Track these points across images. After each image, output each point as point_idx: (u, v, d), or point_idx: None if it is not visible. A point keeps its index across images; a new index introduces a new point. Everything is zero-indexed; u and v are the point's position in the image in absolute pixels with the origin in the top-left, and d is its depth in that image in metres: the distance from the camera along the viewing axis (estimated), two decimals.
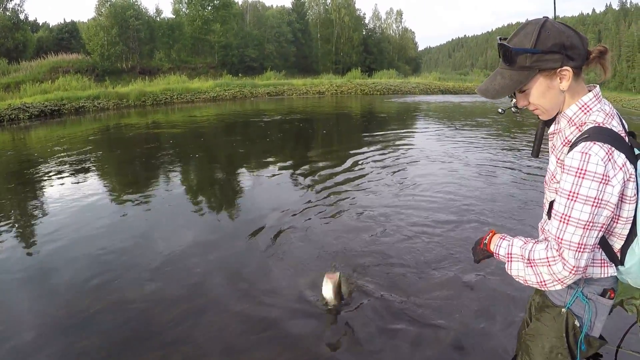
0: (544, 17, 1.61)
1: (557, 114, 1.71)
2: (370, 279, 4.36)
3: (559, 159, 1.69)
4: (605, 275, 1.69)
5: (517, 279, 1.75)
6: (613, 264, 1.67)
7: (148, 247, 5.41)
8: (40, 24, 54.50)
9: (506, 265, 1.77)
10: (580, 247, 1.51)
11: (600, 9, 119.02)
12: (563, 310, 1.79)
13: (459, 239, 5.44)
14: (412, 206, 6.76)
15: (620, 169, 1.47)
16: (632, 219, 1.57)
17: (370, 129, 17.06)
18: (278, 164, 10.15)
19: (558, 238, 1.55)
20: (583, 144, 1.49)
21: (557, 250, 1.56)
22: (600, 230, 1.53)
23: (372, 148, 11.88)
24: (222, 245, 5.48)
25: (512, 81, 1.61)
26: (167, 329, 3.66)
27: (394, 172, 9.02)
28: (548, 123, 2.03)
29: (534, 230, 2.05)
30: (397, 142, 12.98)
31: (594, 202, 1.46)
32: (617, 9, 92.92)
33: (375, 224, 6.01)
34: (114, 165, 10.69)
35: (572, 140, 1.61)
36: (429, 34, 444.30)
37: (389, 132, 15.50)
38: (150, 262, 4.93)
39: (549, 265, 1.58)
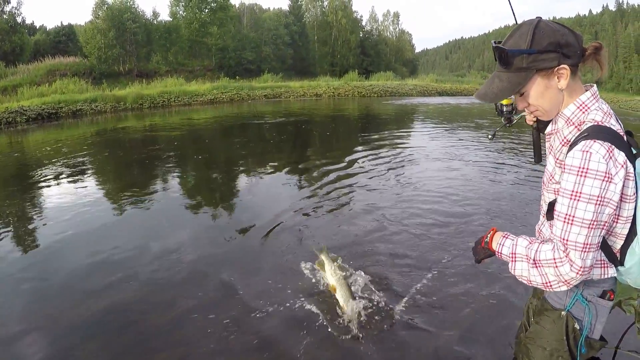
0: (537, 17, 1.61)
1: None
2: (370, 277, 4.36)
3: (557, 159, 1.69)
4: (605, 277, 1.67)
5: (520, 279, 1.73)
6: (613, 265, 1.66)
7: (147, 249, 5.41)
8: (38, 27, 54.41)
9: (509, 265, 1.75)
10: (586, 247, 1.50)
11: (596, 9, 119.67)
12: (563, 313, 1.77)
13: (461, 237, 5.48)
14: (413, 204, 6.85)
15: (622, 166, 1.46)
16: (631, 218, 1.56)
17: (370, 130, 17.11)
18: (278, 165, 10.14)
19: (563, 239, 1.53)
20: (583, 142, 1.48)
21: (563, 252, 1.53)
22: (603, 229, 1.53)
23: (372, 148, 11.97)
24: (221, 246, 5.49)
25: (510, 83, 1.61)
26: (167, 330, 3.66)
27: (396, 171, 9.14)
28: (541, 128, 2.03)
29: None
30: (397, 143, 13.05)
31: (597, 200, 1.45)
32: (613, 9, 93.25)
33: (377, 222, 6.08)
34: (111, 168, 10.67)
35: (571, 140, 1.60)
36: (426, 36, 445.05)
37: (388, 133, 15.56)
38: (150, 264, 4.93)
39: (556, 266, 1.55)
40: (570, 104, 1.64)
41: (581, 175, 1.45)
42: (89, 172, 9.79)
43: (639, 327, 1.80)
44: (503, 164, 9.77)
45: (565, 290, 1.72)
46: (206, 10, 48.20)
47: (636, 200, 1.54)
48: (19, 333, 3.65)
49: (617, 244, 1.63)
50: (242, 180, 9.07)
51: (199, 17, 47.39)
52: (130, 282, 4.55)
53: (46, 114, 22.26)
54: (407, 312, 3.79)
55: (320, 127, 18.02)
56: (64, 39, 49.18)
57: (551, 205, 1.72)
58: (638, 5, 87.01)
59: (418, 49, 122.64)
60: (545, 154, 2.16)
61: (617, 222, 1.58)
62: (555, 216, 1.57)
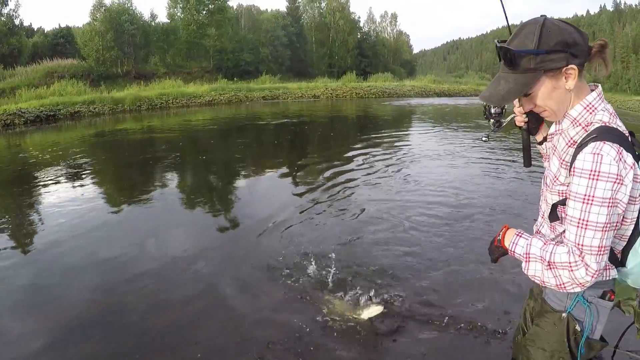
0: (541, 15, 1.56)
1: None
2: (371, 276, 4.37)
3: (563, 160, 1.65)
4: (607, 278, 1.66)
5: (533, 279, 1.72)
6: (614, 266, 1.64)
7: (146, 251, 5.42)
8: (35, 29, 54.34)
9: (523, 265, 1.73)
10: (601, 250, 1.48)
11: (594, 10, 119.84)
12: (564, 315, 1.76)
13: (465, 235, 5.57)
14: (416, 202, 7.01)
15: (631, 168, 1.45)
16: (635, 219, 1.55)
17: (370, 130, 17.15)
18: (278, 166, 10.21)
19: (578, 244, 1.51)
20: (593, 144, 1.46)
21: (579, 256, 1.52)
22: (615, 230, 1.52)
23: (373, 148, 12.11)
24: (221, 247, 5.52)
25: (517, 85, 1.57)
26: (167, 332, 3.67)
27: (398, 170, 9.29)
28: (532, 130, 2.02)
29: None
30: (398, 142, 13.17)
31: (609, 202, 1.44)
32: (611, 10, 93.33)
33: (382, 220, 6.17)
34: (110, 170, 10.66)
35: (578, 141, 1.57)
36: (423, 37, 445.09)
37: (389, 133, 15.63)
38: (149, 266, 4.94)
39: (571, 270, 1.53)
40: (576, 105, 1.61)
41: (593, 179, 1.43)
42: (88, 174, 9.77)
43: (638, 327, 1.79)
44: (504, 161, 9.87)
45: (565, 293, 1.71)
46: (204, 12, 48.18)
47: None
48: (19, 338, 3.65)
49: (620, 245, 1.62)
50: (243, 181, 9.09)
51: (196, 19, 47.37)
52: (131, 283, 4.55)
53: (44, 116, 22.19)
54: (401, 309, 3.80)
55: (320, 128, 18.05)
56: (62, 41, 49.10)
57: (554, 207, 1.70)
58: (636, 5, 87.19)
59: (416, 50, 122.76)
60: (533, 157, 2.17)
61: (621, 224, 1.56)
62: (567, 221, 1.55)
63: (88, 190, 8.29)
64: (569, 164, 1.58)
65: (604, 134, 1.48)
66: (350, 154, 11.37)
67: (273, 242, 5.53)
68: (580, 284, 1.54)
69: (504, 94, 1.59)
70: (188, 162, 11.25)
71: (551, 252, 1.60)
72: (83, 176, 9.48)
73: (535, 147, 2.10)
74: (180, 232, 6.07)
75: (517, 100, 1.81)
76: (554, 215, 1.72)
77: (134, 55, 42.50)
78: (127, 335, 3.65)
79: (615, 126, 1.53)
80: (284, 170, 9.84)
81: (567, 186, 1.61)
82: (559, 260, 1.57)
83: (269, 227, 6.03)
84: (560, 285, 1.60)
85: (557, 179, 1.68)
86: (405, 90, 40.53)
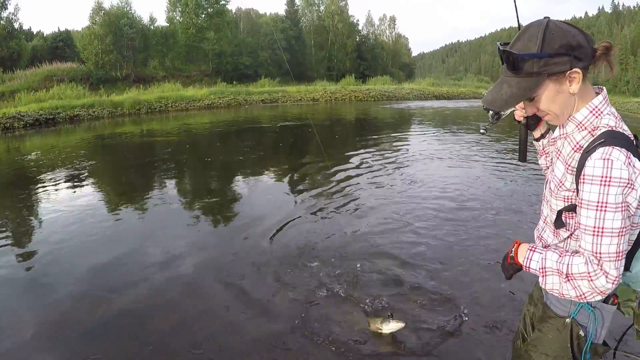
0: (545, 17, 1.53)
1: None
2: (374, 274, 4.37)
3: (569, 165, 1.62)
4: None
5: (551, 292, 1.68)
6: None
7: (145, 254, 5.40)
8: (35, 33, 54.32)
9: (540, 280, 1.69)
10: (619, 256, 1.46)
11: (592, 12, 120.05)
12: (567, 320, 1.74)
13: (472, 235, 5.63)
14: (421, 202, 7.10)
15: None
16: (639, 224, 1.54)
17: (372, 133, 17.19)
18: (280, 169, 10.20)
19: (596, 253, 1.48)
20: (602, 149, 1.43)
21: (597, 265, 1.49)
22: (629, 232, 1.49)
23: (376, 150, 12.20)
24: (221, 250, 5.50)
25: (520, 89, 1.53)
26: (171, 334, 3.66)
27: (402, 170, 9.42)
28: (530, 125, 2.01)
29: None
30: (400, 144, 13.23)
31: (622, 207, 1.42)
32: (609, 11, 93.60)
33: (387, 220, 6.21)
34: (109, 173, 10.66)
35: (585, 146, 1.54)
36: (422, 40, 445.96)
37: (391, 135, 15.72)
38: (149, 269, 4.93)
39: (591, 280, 1.50)
40: (582, 108, 1.57)
41: (605, 185, 1.41)
42: (87, 177, 9.76)
43: (637, 328, 1.79)
44: (507, 163, 9.92)
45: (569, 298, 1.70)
46: (203, 16, 48.23)
47: None
48: (18, 342, 3.63)
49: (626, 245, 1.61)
50: (244, 183, 9.09)
51: (195, 23, 47.40)
52: (134, 286, 4.54)
53: (44, 120, 22.22)
54: (401, 309, 3.80)
55: (322, 130, 18.03)
56: (61, 45, 49.13)
57: (559, 214, 1.68)
58: (634, 6, 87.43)
59: (414, 53, 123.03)
60: (530, 156, 2.16)
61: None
62: (582, 230, 1.52)
63: (87, 194, 8.29)
64: (575, 169, 1.56)
65: (612, 138, 1.46)
66: (353, 155, 11.46)
67: (276, 243, 5.54)
68: (602, 292, 1.52)
69: (507, 98, 1.56)
70: (188, 165, 11.25)
71: (568, 264, 1.57)
72: (82, 179, 9.47)
73: (532, 142, 2.10)
74: (181, 235, 6.06)
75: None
76: (559, 222, 1.70)
77: (133, 59, 42.51)
78: (126, 338, 3.64)
79: (621, 131, 1.51)
80: (287, 173, 9.85)
81: (573, 192, 1.59)
82: (577, 272, 1.54)
83: (271, 228, 6.04)
84: (580, 295, 1.57)
85: (563, 184, 1.65)
86: (404, 93, 40.64)
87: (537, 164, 1.99)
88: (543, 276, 1.66)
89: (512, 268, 1.79)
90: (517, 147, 2.25)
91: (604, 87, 1.62)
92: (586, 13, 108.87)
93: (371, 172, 9.42)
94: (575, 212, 1.59)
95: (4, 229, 6.52)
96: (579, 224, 1.53)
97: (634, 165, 1.41)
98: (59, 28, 52.31)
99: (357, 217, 6.44)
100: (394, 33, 72.56)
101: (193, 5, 47.05)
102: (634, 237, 1.56)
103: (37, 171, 10.58)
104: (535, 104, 1.59)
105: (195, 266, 4.98)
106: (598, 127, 1.54)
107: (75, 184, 9.10)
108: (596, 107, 1.56)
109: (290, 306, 4.04)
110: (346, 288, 4.31)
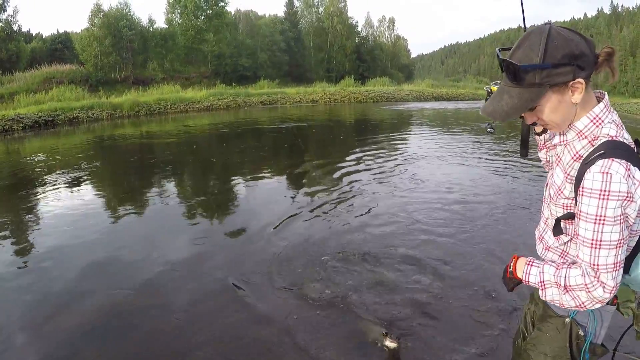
0: (546, 23, 1.50)
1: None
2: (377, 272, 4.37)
3: (568, 174, 1.61)
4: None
5: (552, 303, 1.70)
6: None
7: (144, 255, 5.40)
8: (34, 35, 54.33)
9: (540, 292, 1.70)
10: (617, 266, 1.47)
11: (591, 13, 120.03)
12: (567, 320, 1.75)
13: (478, 234, 5.65)
14: (425, 203, 7.08)
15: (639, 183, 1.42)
16: (639, 231, 1.54)
17: (372, 133, 17.28)
18: (282, 170, 10.21)
19: (593, 265, 1.48)
20: (601, 162, 1.42)
21: (594, 276, 1.50)
22: (627, 241, 1.50)
23: (378, 150, 12.25)
24: (221, 251, 5.51)
25: (522, 100, 1.49)
26: (170, 335, 3.66)
27: (405, 171, 9.43)
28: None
29: None
30: (403, 145, 13.25)
31: (621, 219, 1.42)
32: (608, 13, 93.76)
33: (392, 221, 6.21)
34: (108, 175, 10.66)
35: (584, 156, 1.53)
36: (421, 41, 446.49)
37: (391, 135, 15.83)
38: (148, 270, 4.93)
39: (588, 291, 1.52)
40: (583, 117, 1.55)
41: (604, 199, 1.40)
42: (87, 179, 9.76)
43: (637, 329, 1.79)
44: (509, 163, 10.02)
45: None
46: (202, 17, 48.28)
47: None
48: (18, 346, 3.62)
49: (624, 255, 1.61)
50: (246, 184, 9.08)
51: (194, 24, 47.45)
52: (133, 286, 4.54)
53: (43, 122, 22.23)
54: (400, 308, 3.81)
55: (323, 131, 18.08)
56: (60, 47, 49.16)
57: (557, 222, 1.69)
58: (633, 8, 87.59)
59: (414, 54, 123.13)
60: (533, 155, 2.15)
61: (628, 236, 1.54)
62: (580, 242, 1.52)
63: (86, 195, 8.29)
64: (574, 178, 1.56)
65: (612, 149, 1.44)
66: (355, 156, 11.50)
67: (277, 243, 5.53)
68: (600, 301, 1.53)
69: (508, 109, 1.52)
70: (187, 167, 11.24)
71: (565, 277, 1.58)
72: (82, 181, 9.47)
73: (533, 136, 2.08)
74: (180, 236, 6.05)
75: None
76: (558, 230, 1.70)
77: (132, 61, 42.54)
78: (125, 339, 3.63)
79: (622, 140, 1.49)
80: (288, 172, 9.89)
81: (572, 200, 1.59)
82: (575, 283, 1.55)
83: (272, 228, 6.06)
84: (580, 305, 1.58)
85: (562, 192, 1.65)
86: (403, 95, 40.68)
87: (538, 159, 1.98)
88: (542, 289, 1.68)
89: (512, 282, 1.82)
90: (518, 148, 2.25)
91: (606, 93, 1.59)
92: (585, 14, 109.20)
93: (375, 171, 9.51)
94: (574, 219, 1.59)
95: (3, 230, 6.51)
96: (577, 235, 1.53)
97: (633, 176, 1.40)
98: (58, 30, 52.33)
99: (361, 217, 6.45)
100: (393, 34, 72.63)
101: (192, 7, 47.10)
102: (633, 244, 1.57)
103: (36, 173, 10.57)
104: (536, 113, 1.56)
105: (194, 267, 4.98)
106: (598, 136, 1.52)
107: (74, 185, 9.09)
108: (597, 115, 1.53)
109: (291, 308, 4.03)
110: (349, 290, 4.30)
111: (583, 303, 1.56)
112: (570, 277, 1.56)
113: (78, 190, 8.74)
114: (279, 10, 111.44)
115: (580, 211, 1.48)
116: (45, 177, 9.90)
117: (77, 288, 4.59)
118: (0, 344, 3.60)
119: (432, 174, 9.12)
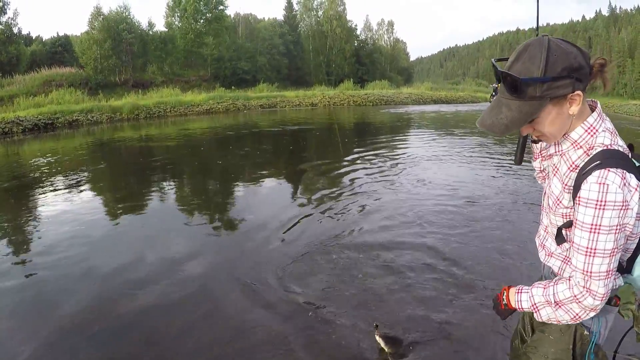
0: (543, 36, 1.49)
1: None
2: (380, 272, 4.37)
3: (566, 184, 1.62)
4: (614, 287, 1.65)
5: (549, 322, 1.73)
6: (620, 275, 1.65)
7: (148, 258, 5.39)
8: (34, 38, 54.37)
9: (535, 316, 1.75)
10: (609, 274, 1.49)
11: (590, 15, 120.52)
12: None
13: (486, 234, 5.69)
14: (430, 202, 7.16)
15: (636, 189, 1.44)
16: (639, 234, 1.56)
17: (373, 136, 17.37)
18: (283, 172, 10.19)
19: (586, 272, 1.51)
20: (597, 172, 1.44)
21: (582, 286, 1.53)
22: (622, 249, 1.53)
23: (380, 151, 12.30)
24: (226, 252, 5.53)
25: (522, 113, 1.49)
26: (173, 338, 3.65)
27: (409, 173, 9.48)
28: None
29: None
30: (404, 147, 13.29)
31: (616, 229, 1.44)
32: (606, 15, 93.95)
33: (396, 221, 6.27)
34: (108, 178, 10.65)
35: (581, 166, 1.55)
36: (420, 44, 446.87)
37: (394, 138, 15.91)
38: (152, 272, 4.93)
39: (579, 302, 1.55)
40: (577, 127, 1.57)
41: (600, 208, 1.42)
42: (86, 183, 9.77)
43: (637, 330, 1.79)
44: (511, 164, 10.06)
45: None
46: (201, 21, 48.36)
47: None
48: (17, 351, 3.63)
49: (625, 256, 1.63)
50: (248, 187, 9.09)
51: (194, 28, 47.54)
52: (138, 290, 4.53)
53: (42, 125, 22.26)
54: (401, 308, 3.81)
55: (324, 134, 18.09)
56: (60, 50, 49.18)
57: (559, 230, 1.70)
58: (631, 9, 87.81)
59: (413, 57, 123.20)
60: (530, 158, 2.16)
61: (626, 240, 1.56)
62: (574, 249, 1.55)
63: (86, 198, 8.29)
64: (572, 188, 1.57)
65: (608, 159, 1.46)
66: (358, 158, 11.53)
67: (283, 243, 5.57)
68: (592, 309, 1.56)
69: (508, 122, 1.52)
70: (188, 169, 11.26)
71: (554, 294, 1.63)
72: (81, 184, 9.48)
73: (529, 145, 2.09)
74: (184, 237, 6.06)
75: None
76: (560, 238, 1.72)
77: (131, 64, 42.59)
78: (130, 342, 3.63)
79: (617, 148, 1.51)
80: (290, 174, 9.89)
81: (571, 209, 1.61)
82: (564, 297, 1.60)
83: (279, 228, 6.08)
84: (575, 317, 1.62)
85: (560, 202, 1.66)
86: (402, 98, 40.70)
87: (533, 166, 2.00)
88: (536, 311, 1.73)
89: (507, 312, 1.87)
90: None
91: (598, 101, 1.61)
92: (583, 16, 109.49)
93: (379, 172, 9.60)
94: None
95: (3, 233, 6.51)
96: (572, 242, 1.56)
97: (629, 184, 1.42)
98: (57, 33, 52.11)
99: (367, 217, 6.46)
100: (392, 38, 72.70)
101: (192, 10, 47.20)
102: (633, 246, 1.59)
103: (36, 176, 10.57)
104: (533, 125, 1.57)
105: (199, 269, 4.98)
106: (593, 146, 1.54)
107: (75, 188, 9.09)
108: (591, 125, 1.55)
109: (297, 309, 4.03)
110: (353, 291, 4.31)
111: (577, 314, 1.60)
112: (559, 293, 1.62)
113: (78, 193, 8.74)
114: (278, 13, 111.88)
115: (577, 219, 1.51)
116: (44, 180, 9.90)
117: (80, 292, 4.57)
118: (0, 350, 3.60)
119: (436, 175, 9.18)
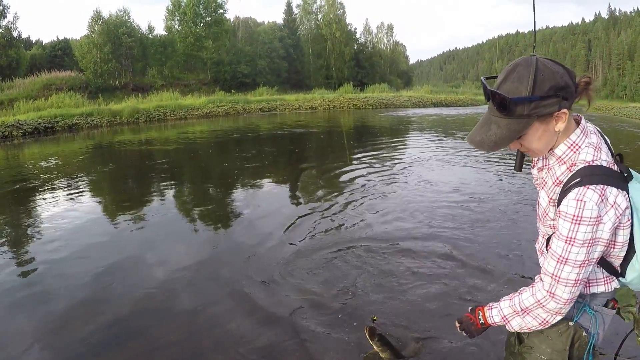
0: (531, 55, 1.55)
1: None
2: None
3: (551, 198, 1.69)
4: (610, 290, 1.71)
5: (522, 331, 1.81)
6: (615, 278, 1.70)
7: (146, 262, 5.38)
8: (34, 42, 54.58)
9: (507, 327, 1.83)
10: (577, 283, 1.56)
11: (589, 18, 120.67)
12: (570, 323, 1.78)
13: (492, 233, 5.72)
14: (439, 201, 7.25)
15: (612, 206, 1.49)
16: (627, 242, 1.59)
17: (374, 138, 17.40)
18: (284, 174, 10.19)
19: (555, 276, 1.58)
20: (577, 190, 1.50)
21: (547, 290, 1.62)
22: (595, 262, 1.59)
23: (383, 154, 12.37)
24: (224, 256, 5.49)
25: (510, 131, 1.55)
26: (171, 343, 3.64)
27: (412, 174, 9.54)
28: None
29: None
30: (406, 149, 13.37)
31: (589, 243, 1.50)
32: (606, 17, 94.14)
33: (398, 222, 6.25)
34: (108, 182, 10.64)
35: (564, 181, 1.60)
36: (420, 48, 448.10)
37: (397, 140, 16.01)
38: (150, 276, 4.91)
39: (542, 306, 1.64)
40: (561, 144, 1.63)
41: (575, 223, 1.49)
42: (85, 186, 9.76)
43: (637, 333, 1.80)
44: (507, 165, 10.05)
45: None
46: (201, 25, 48.45)
47: (632, 225, 1.57)
48: (23, 348, 3.61)
49: (616, 262, 1.66)
50: (248, 191, 9.06)
51: (194, 31, 47.63)
52: (136, 294, 4.52)
53: (42, 128, 22.28)
54: (398, 313, 3.80)
55: (325, 137, 18.11)
56: (60, 53, 49.33)
57: (549, 240, 1.74)
58: (630, 12, 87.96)
59: (412, 61, 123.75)
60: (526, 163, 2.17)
61: (614, 248, 1.61)
62: (550, 253, 1.61)
63: (86, 202, 8.27)
64: (556, 202, 1.63)
65: (587, 176, 1.52)
66: (360, 159, 11.58)
67: (283, 246, 5.55)
68: (557, 312, 1.64)
69: (496, 139, 1.58)
70: (189, 173, 11.25)
71: (519, 302, 1.73)
72: (81, 188, 9.46)
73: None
74: (182, 242, 6.04)
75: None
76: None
77: (131, 68, 42.69)
78: (128, 347, 3.61)
79: (598, 163, 1.55)
80: (292, 175, 9.89)
81: (556, 221, 1.65)
82: (529, 304, 1.69)
83: (281, 232, 6.06)
84: (543, 322, 1.70)
85: (547, 214, 1.74)
86: (402, 101, 40.80)
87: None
88: (507, 322, 1.81)
89: (479, 331, 1.95)
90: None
91: (582, 116, 1.66)
92: (583, 19, 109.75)
93: (382, 174, 9.64)
94: None
95: (2, 237, 6.50)
96: (550, 247, 1.63)
97: (606, 200, 1.49)
98: (57, 37, 52.42)
99: (370, 218, 6.45)
100: (391, 41, 72.91)
101: (191, 14, 47.30)
102: (623, 253, 1.63)
103: (36, 179, 10.55)
104: (520, 141, 1.63)
105: (197, 273, 4.96)
106: (575, 162, 1.59)
107: (74, 192, 9.08)
108: (574, 142, 1.61)
109: (297, 313, 4.01)
110: (357, 292, 4.31)
111: (545, 320, 1.69)
112: (524, 300, 1.72)
113: (77, 196, 8.72)
114: (278, 17, 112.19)
115: (556, 229, 1.58)
116: (44, 184, 9.89)
117: (77, 295, 4.56)
118: (1, 352, 3.59)
119: (441, 176, 9.23)
